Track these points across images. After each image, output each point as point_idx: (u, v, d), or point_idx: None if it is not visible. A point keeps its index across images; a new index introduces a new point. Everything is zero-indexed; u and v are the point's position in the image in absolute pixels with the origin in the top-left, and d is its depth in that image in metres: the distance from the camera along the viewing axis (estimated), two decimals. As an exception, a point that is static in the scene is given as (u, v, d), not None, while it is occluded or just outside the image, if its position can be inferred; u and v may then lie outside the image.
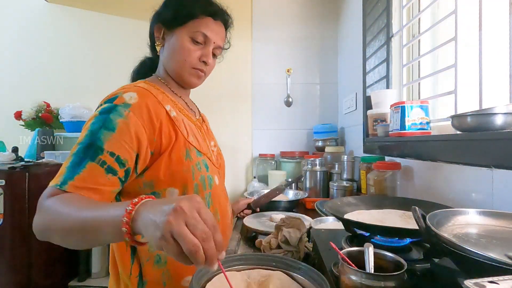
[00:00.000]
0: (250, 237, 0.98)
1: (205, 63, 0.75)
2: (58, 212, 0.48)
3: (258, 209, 1.19)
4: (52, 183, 0.53)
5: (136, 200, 0.43)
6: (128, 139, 0.59)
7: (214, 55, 0.78)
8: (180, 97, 0.79)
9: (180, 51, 0.72)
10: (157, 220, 0.37)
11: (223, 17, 0.77)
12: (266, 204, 1.22)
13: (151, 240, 0.38)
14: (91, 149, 0.56)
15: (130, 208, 0.41)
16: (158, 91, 0.71)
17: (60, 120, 2.05)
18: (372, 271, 0.46)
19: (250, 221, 1.03)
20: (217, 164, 0.81)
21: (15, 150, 1.84)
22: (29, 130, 2.08)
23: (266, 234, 0.93)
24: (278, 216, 1.06)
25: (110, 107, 0.60)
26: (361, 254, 0.50)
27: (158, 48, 0.76)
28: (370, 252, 0.47)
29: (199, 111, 0.89)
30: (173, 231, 0.36)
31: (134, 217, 0.41)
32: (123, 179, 0.60)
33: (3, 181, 1.51)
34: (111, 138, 0.57)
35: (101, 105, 0.62)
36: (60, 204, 0.49)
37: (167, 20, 0.73)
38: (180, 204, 0.37)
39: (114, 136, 0.57)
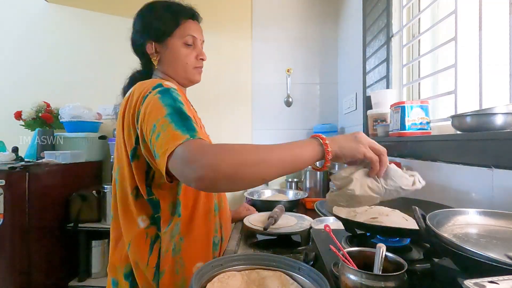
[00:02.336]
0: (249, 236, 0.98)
1: (202, 59, 0.84)
2: (253, 148, 0.54)
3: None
4: (178, 141, 0.54)
5: (326, 141, 0.56)
6: (189, 111, 0.64)
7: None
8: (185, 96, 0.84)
9: (180, 57, 0.80)
10: (354, 144, 0.56)
11: (196, 15, 0.84)
12: (266, 205, 1.22)
13: (355, 151, 0.55)
14: (182, 115, 0.60)
15: (327, 149, 0.55)
16: None
17: (60, 120, 2.04)
18: (380, 272, 0.45)
19: (250, 221, 1.03)
20: None
21: (15, 150, 1.84)
22: (29, 130, 2.07)
23: (266, 234, 0.93)
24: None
25: (165, 89, 0.66)
26: (361, 254, 0.50)
27: (155, 62, 0.81)
28: (382, 253, 0.46)
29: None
30: (370, 145, 0.56)
31: (333, 150, 0.55)
32: None
33: (3, 181, 1.51)
34: (187, 110, 0.63)
35: (148, 92, 0.66)
36: (241, 145, 0.54)
37: (156, 35, 0.79)
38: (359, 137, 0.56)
39: (185, 108, 0.64)
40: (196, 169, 0.51)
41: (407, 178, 0.57)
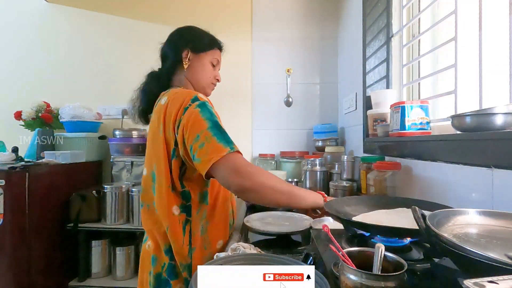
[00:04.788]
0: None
1: (217, 80, 1.04)
2: (277, 179, 0.80)
3: None
4: (221, 153, 0.73)
5: (321, 192, 0.91)
6: (221, 122, 0.82)
7: None
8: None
9: (205, 71, 0.98)
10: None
11: (223, 48, 1.05)
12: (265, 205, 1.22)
13: None
14: (220, 129, 0.78)
15: (324, 197, 0.89)
16: None
17: (60, 120, 2.04)
18: (379, 272, 0.45)
19: (251, 221, 1.03)
20: None
21: (15, 150, 1.84)
22: (29, 130, 2.07)
23: (266, 234, 0.94)
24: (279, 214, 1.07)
25: (202, 103, 0.82)
26: (361, 254, 0.50)
27: (185, 66, 0.96)
28: (381, 253, 0.46)
29: None
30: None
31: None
32: None
33: (3, 181, 1.51)
34: (219, 121, 0.81)
35: (189, 105, 0.81)
36: (273, 175, 0.81)
37: (194, 47, 0.96)
38: None
39: (218, 120, 0.81)
40: (243, 179, 0.74)
41: None
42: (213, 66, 1.00)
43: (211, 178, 0.82)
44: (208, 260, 0.78)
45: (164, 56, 1.00)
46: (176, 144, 0.82)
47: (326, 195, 0.89)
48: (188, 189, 0.85)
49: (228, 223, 0.94)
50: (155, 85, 0.97)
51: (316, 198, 0.87)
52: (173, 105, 0.82)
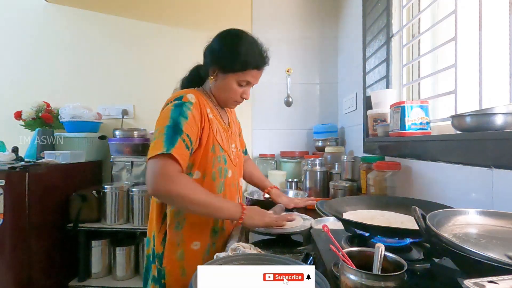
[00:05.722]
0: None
1: (244, 98, 0.97)
2: (194, 189, 0.80)
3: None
4: (157, 152, 0.76)
5: (244, 206, 0.86)
6: (194, 126, 0.84)
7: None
8: (216, 107, 1.00)
9: (229, 91, 0.94)
10: (260, 221, 0.88)
11: (265, 64, 0.96)
12: (266, 205, 1.21)
13: (257, 223, 0.87)
14: (176, 129, 0.80)
15: (242, 212, 0.85)
16: (203, 98, 0.94)
17: (60, 120, 2.04)
18: (379, 272, 0.45)
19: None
20: (235, 162, 1.01)
21: (15, 150, 1.84)
22: (29, 130, 2.07)
23: (266, 234, 0.93)
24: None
25: (181, 103, 0.85)
26: (361, 254, 0.50)
27: (211, 81, 0.96)
28: (381, 253, 0.46)
29: (228, 120, 1.06)
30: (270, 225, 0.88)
31: (245, 216, 0.85)
32: (190, 155, 0.85)
33: (3, 181, 1.51)
34: (186, 124, 0.82)
35: (171, 101, 0.86)
36: (193, 184, 0.81)
37: (222, 66, 0.91)
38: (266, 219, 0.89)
39: (187, 122, 0.82)
40: (158, 184, 0.76)
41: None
42: (240, 86, 0.94)
43: (198, 171, 0.90)
44: (179, 256, 0.89)
45: (204, 57, 0.99)
46: None
47: (246, 207, 0.85)
48: None
49: (209, 227, 0.93)
50: (187, 82, 1.03)
51: (232, 211, 0.84)
52: (166, 102, 0.90)
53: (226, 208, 0.83)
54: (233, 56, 0.90)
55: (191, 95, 0.88)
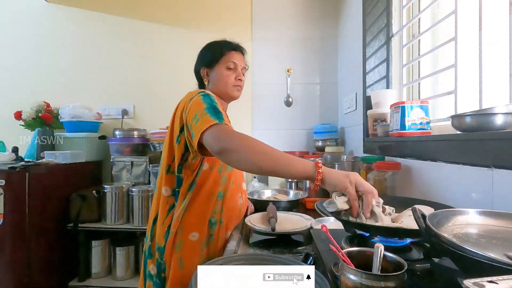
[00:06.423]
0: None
1: (240, 80, 1.06)
2: (263, 143, 0.76)
3: None
4: (210, 123, 0.77)
5: (319, 165, 0.69)
6: (222, 110, 0.87)
7: (243, 74, 1.10)
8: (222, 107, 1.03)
9: (222, 77, 1.04)
10: (342, 177, 0.66)
11: (240, 49, 1.10)
12: (266, 205, 1.21)
13: (339, 182, 0.66)
14: (216, 110, 0.83)
15: (319, 170, 0.68)
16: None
17: (60, 120, 2.04)
18: (379, 272, 0.45)
19: (251, 221, 1.03)
20: None
21: (15, 150, 1.84)
22: (29, 130, 2.07)
23: (266, 234, 0.94)
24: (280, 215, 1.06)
25: (206, 94, 0.90)
26: (361, 254, 0.50)
27: (206, 83, 1.07)
28: (380, 253, 0.47)
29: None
30: (357, 183, 0.65)
31: (323, 175, 0.68)
32: None
33: (3, 181, 1.51)
34: (218, 106, 0.86)
35: (195, 95, 0.90)
36: (258, 141, 0.77)
37: (208, 63, 1.06)
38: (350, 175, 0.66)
39: (218, 106, 0.86)
40: (223, 141, 0.75)
41: (383, 219, 0.62)
42: (230, 69, 1.04)
43: (207, 163, 0.93)
44: (178, 247, 0.92)
45: (196, 77, 1.13)
46: (181, 130, 0.91)
47: (322, 165, 0.70)
48: (183, 175, 0.94)
49: (207, 219, 0.95)
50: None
51: (306, 166, 0.70)
52: (184, 99, 0.94)
53: (296, 161, 0.72)
54: (210, 50, 1.07)
55: (208, 91, 0.94)
